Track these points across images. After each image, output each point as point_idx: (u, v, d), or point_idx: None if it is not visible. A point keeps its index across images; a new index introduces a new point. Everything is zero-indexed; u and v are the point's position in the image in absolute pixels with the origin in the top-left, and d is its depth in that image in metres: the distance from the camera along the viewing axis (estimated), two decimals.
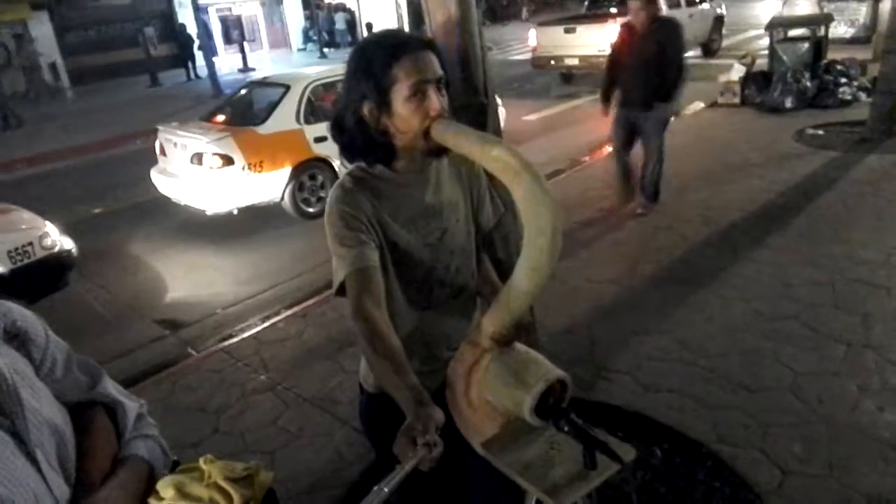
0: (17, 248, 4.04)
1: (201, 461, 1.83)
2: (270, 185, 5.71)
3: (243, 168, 5.53)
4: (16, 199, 4.80)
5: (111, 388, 1.05)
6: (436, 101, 1.25)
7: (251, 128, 5.81)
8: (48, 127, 12.75)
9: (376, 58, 1.25)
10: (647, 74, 4.48)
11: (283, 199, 5.82)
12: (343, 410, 2.99)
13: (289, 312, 4.09)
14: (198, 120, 6.51)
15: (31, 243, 4.11)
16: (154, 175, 6.21)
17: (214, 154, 5.46)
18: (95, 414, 0.99)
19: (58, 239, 4.30)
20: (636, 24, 4.53)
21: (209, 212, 5.72)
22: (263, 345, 3.72)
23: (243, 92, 6.81)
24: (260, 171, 5.61)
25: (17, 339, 0.91)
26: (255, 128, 5.78)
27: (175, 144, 5.86)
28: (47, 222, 4.36)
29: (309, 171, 5.86)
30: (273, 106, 5.88)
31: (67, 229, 4.59)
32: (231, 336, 3.89)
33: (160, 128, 6.24)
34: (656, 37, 4.45)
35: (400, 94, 1.24)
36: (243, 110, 6.45)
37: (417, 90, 1.23)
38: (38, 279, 4.15)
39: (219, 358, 3.64)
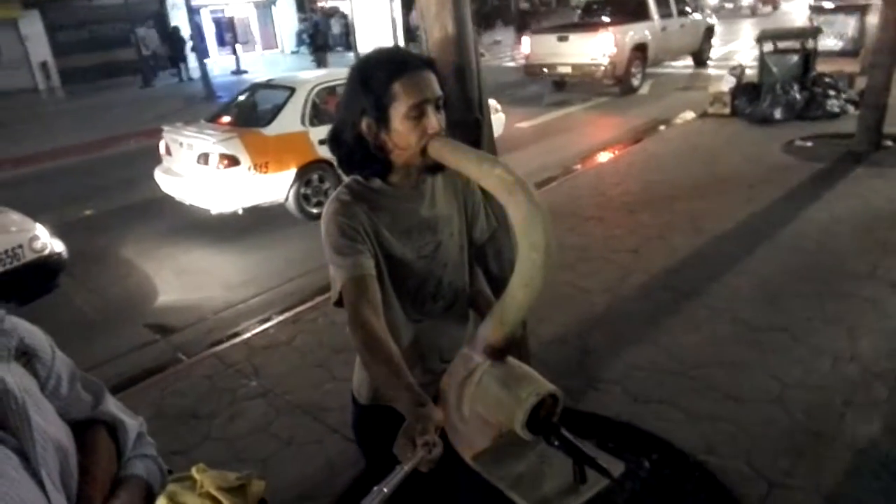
0: (6, 251, 4.01)
1: (194, 470, 1.83)
2: (275, 185, 5.75)
3: (249, 168, 5.56)
4: (6, 200, 4.77)
5: (112, 405, 1.05)
6: (434, 119, 1.27)
7: (257, 129, 5.84)
8: (38, 127, 12.67)
9: (377, 75, 1.28)
10: None
11: (287, 199, 5.86)
12: (334, 418, 2.99)
13: (280, 318, 4.08)
14: (203, 120, 6.53)
15: (20, 246, 4.09)
16: (158, 174, 6.22)
17: (221, 154, 5.49)
18: (97, 433, 0.99)
19: (48, 241, 4.27)
20: None
21: (214, 211, 5.74)
22: (255, 350, 3.72)
23: (248, 93, 6.85)
24: (265, 172, 5.65)
25: (25, 355, 0.91)
26: (261, 129, 5.82)
27: (181, 144, 5.89)
28: (38, 224, 4.34)
29: (313, 173, 5.91)
30: (279, 108, 5.93)
31: (58, 231, 4.57)
32: (222, 341, 3.88)
33: (165, 128, 6.27)
34: None
35: (399, 112, 1.26)
36: (249, 112, 6.49)
37: (416, 108, 1.26)
38: (28, 282, 4.13)
39: (210, 363, 3.63)
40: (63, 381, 0.96)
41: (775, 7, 27.32)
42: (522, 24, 21.82)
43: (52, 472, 0.84)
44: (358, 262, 1.30)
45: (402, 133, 1.28)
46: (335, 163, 1.43)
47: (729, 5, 28.24)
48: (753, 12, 26.42)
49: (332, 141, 1.40)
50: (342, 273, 1.30)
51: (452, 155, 1.24)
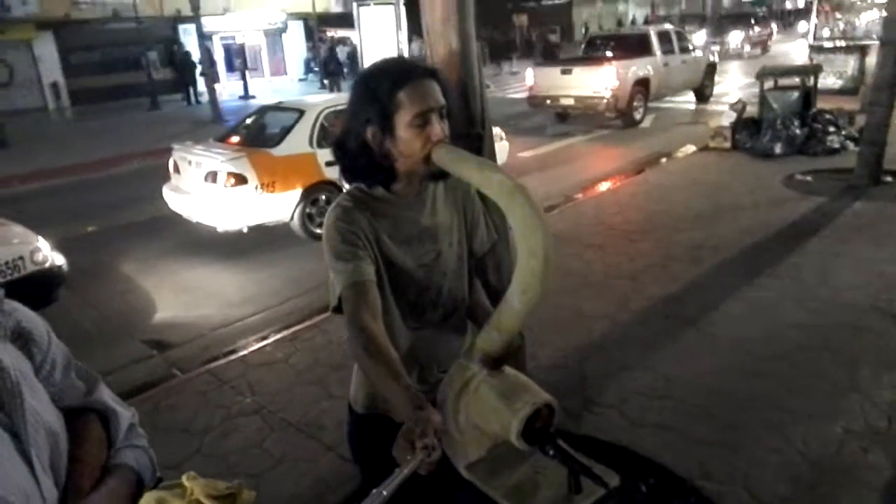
0: (7, 262, 4.03)
1: (184, 478, 1.81)
2: (281, 205, 5.81)
3: (256, 188, 5.62)
4: (9, 215, 4.79)
5: (106, 395, 1.05)
6: (437, 127, 1.30)
7: (265, 149, 5.93)
8: (46, 145, 12.80)
9: (382, 83, 1.30)
10: None
11: (292, 219, 5.91)
12: (329, 436, 2.96)
13: (278, 336, 4.07)
14: (212, 140, 6.63)
15: (22, 258, 4.11)
16: (166, 192, 6.29)
17: (229, 173, 5.57)
18: (89, 421, 0.99)
19: (49, 254, 4.29)
20: None
21: (220, 229, 5.78)
22: (250, 368, 3.70)
23: (258, 115, 6.97)
24: (272, 192, 5.71)
25: (21, 338, 0.92)
26: (270, 150, 5.91)
27: (189, 162, 5.97)
28: (39, 237, 4.35)
29: (319, 194, 5.97)
30: (287, 129, 6.03)
31: (60, 245, 4.58)
32: (218, 358, 3.85)
33: (175, 146, 6.37)
34: None
35: (403, 120, 1.28)
36: (258, 132, 6.59)
37: (420, 117, 1.28)
38: (28, 294, 4.09)
39: (204, 380, 3.60)
40: (58, 367, 0.97)
41: (765, 50, 25.54)
42: (551, 54, 22.01)
43: (42, 455, 0.84)
44: (358, 267, 1.31)
45: (406, 141, 1.30)
46: (341, 183, 1.45)
47: (715, 48, 27.02)
48: (740, 55, 24.17)
49: (337, 150, 1.42)
50: (342, 278, 1.31)
51: (454, 162, 1.26)
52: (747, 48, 25.32)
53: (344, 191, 1.47)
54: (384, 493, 0.99)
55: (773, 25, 28.71)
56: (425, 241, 1.43)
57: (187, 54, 19.42)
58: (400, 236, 1.39)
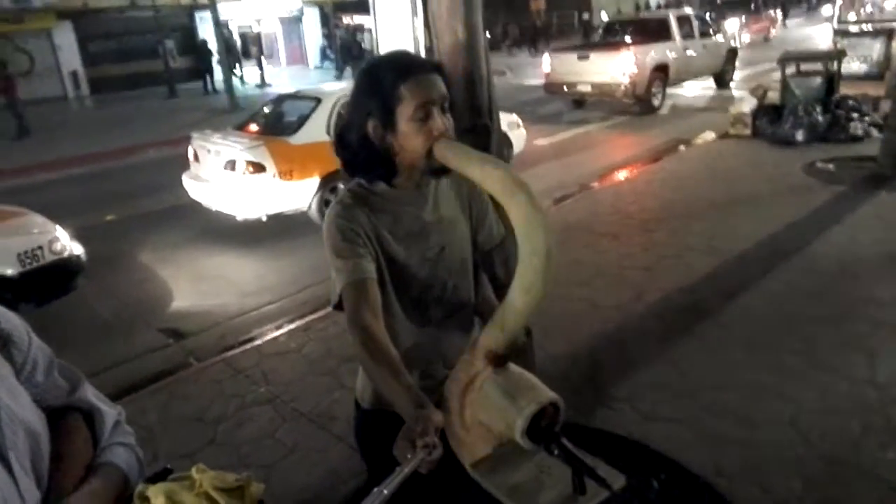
0: (27, 252, 4.09)
1: (193, 470, 1.83)
2: (299, 193, 5.84)
3: (274, 176, 5.66)
4: (29, 204, 4.86)
5: (90, 394, 1.04)
6: (439, 121, 1.28)
7: (283, 138, 5.97)
8: (66, 133, 12.96)
9: (384, 77, 1.28)
10: None
11: (310, 207, 5.94)
12: (340, 427, 2.98)
13: (292, 326, 4.09)
14: (231, 128, 6.68)
15: (41, 247, 4.16)
16: (186, 180, 6.36)
17: (247, 161, 5.61)
18: (73, 420, 0.99)
19: (68, 244, 4.35)
20: None
21: (239, 217, 5.83)
22: (265, 357, 3.73)
23: (275, 104, 7.00)
24: (290, 180, 5.75)
25: (0, 340, 0.91)
26: (287, 138, 5.95)
27: (209, 151, 6.03)
28: (58, 227, 4.41)
29: (337, 181, 5.97)
30: (304, 118, 6.06)
31: (78, 235, 4.64)
32: (233, 347, 3.89)
33: (194, 135, 6.43)
34: None
35: (405, 114, 1.27)
36: (276, 121, 6.63)
37: (422, 110, 1.26)
38: (47, 283, 4.19)
39: (219, 368, 3.64)
40: (39, 368, 0.96)
41: (767, 38, 23.56)
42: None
43: (21, 456, 0.83)
44: (358, 265, 1.30)
45: (407, 135, 1.28)
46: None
47: None
48: (739, 45, 21.70)
49: (338, 143, 1.41)
50: (342, 276, 1.30)
51: (456, 157, 1.23)
52: (746, 36, 23.01)
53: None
54: (385, 492, 0.98)
55: (778, 11, 26.35)
56: (428, 237, 1.41)
57: (203, 42, 19.47)
58: (401, 232, 1.38)
